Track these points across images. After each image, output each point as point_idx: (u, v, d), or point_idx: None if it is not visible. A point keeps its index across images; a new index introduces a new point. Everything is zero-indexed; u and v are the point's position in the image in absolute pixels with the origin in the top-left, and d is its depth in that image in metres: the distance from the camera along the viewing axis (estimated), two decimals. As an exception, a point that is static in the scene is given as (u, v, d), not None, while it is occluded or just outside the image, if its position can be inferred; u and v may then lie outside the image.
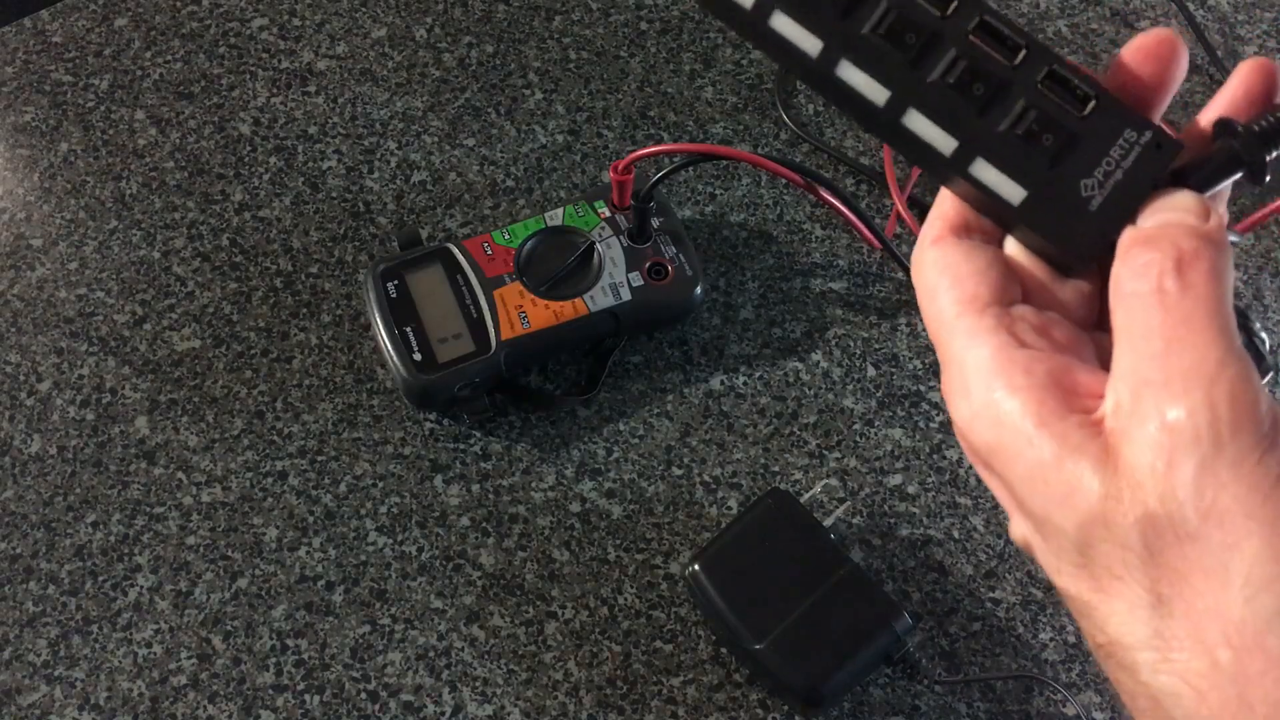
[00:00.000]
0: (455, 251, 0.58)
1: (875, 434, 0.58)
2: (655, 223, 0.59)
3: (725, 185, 0.65)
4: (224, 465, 0.56)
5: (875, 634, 0.49)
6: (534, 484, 0.56)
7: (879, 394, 0.59)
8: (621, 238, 0.59)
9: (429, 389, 0.55)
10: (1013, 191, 0.29)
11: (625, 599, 0.53)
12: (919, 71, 0.29)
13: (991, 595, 0.54)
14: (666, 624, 0.53)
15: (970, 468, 0.57)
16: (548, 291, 0.57)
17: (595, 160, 0.66)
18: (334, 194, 0.64)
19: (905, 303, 0.61)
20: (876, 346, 0.60)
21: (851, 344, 0.60)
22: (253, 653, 0.52)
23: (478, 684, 0.51)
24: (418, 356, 0.55)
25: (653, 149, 0.58)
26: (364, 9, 0.71)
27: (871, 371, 0.60)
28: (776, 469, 0.57)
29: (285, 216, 0.63)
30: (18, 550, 0.54)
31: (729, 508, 0.56)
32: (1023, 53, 0.29)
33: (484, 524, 0.55)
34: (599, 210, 0.59)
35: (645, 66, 0.70)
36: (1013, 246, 0.30)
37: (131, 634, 0.52)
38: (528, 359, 0.58)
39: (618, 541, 0.55)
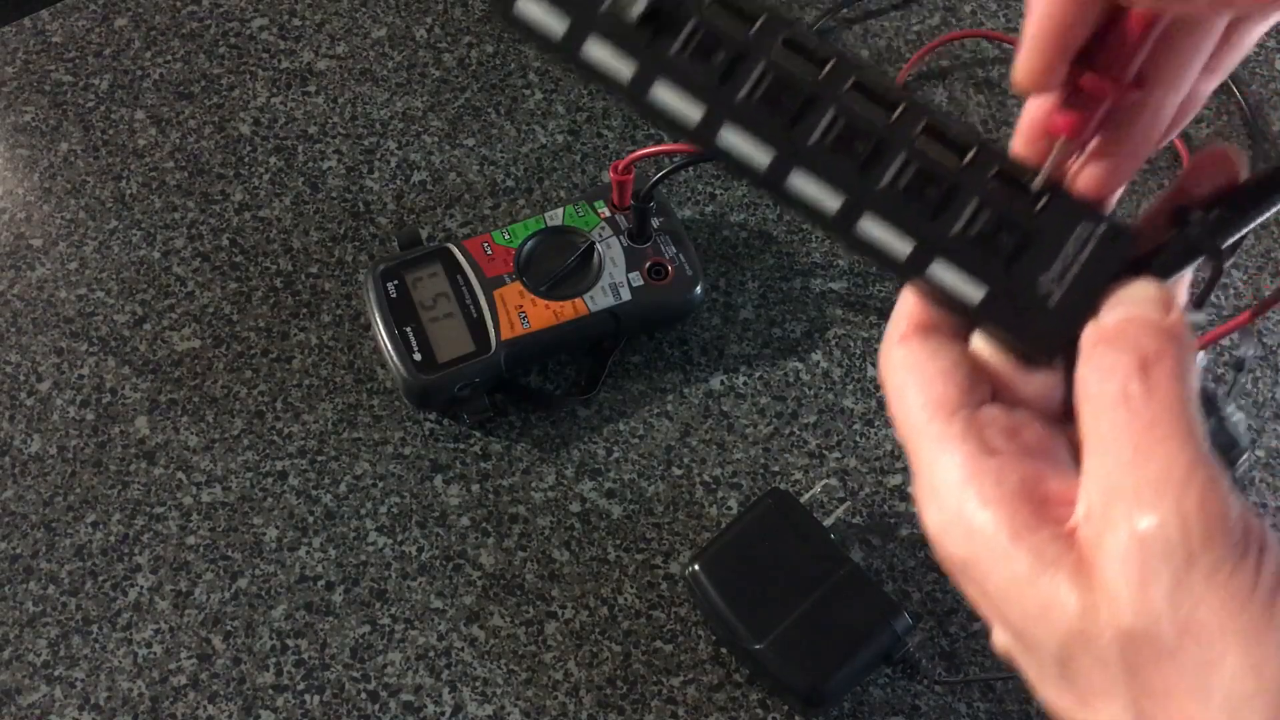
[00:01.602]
0: (455, 251, 0.58)
1: (875, 434, 0.58)
2: (655, 223, 0.59)
3: (725, 185, 0.65)
4: (224, 465, 0.56)
5: (875, 634, 0.49)
6: (534, 484, 0.56)
7: (879, 394, 0.59)
8: (621, 238, 0.59)
9: (429, 389, 0.55)
10: (972, 291, 0.29)
11: (625, 599, 0.53)
12: (870, 178, 0.28)
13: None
14: (666, 624, 0.53)
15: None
16: (548, 291, 0.57)
17: (595, 160, 0.66)
18: (334, 194, 0.64)
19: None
20: (876, 346, 0.60)
21: (851, 344, 0.60)
22: (253, 653, 0.52)
23: (478, 684, 0.51)
24: (418, 356, 0.55)
25: (653, 149, 0.58)
26: (364, 9, 0.71)
27: (871, 371, 0.60)
28: (776, 469, 0.57)
29: (285, 216, 0.63)
30: (18, 550, 0.54)
31: (729, 508, 0.56)
32: (972, 152, 0.28)
33: (484, 524, 0.55)
34: (599, 210, 0.59)
35: (645, 66, 0.70)
36: (979, 341, 0.30)
37: (131, 634, 0.52)
38: (528, 359, 0.58)
39: (618, 541, 0.55)
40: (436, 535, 0.55)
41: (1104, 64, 0.26)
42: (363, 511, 0.55)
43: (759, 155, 0.29)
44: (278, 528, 0.54)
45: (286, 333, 0.60)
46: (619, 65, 0.29)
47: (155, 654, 0.51)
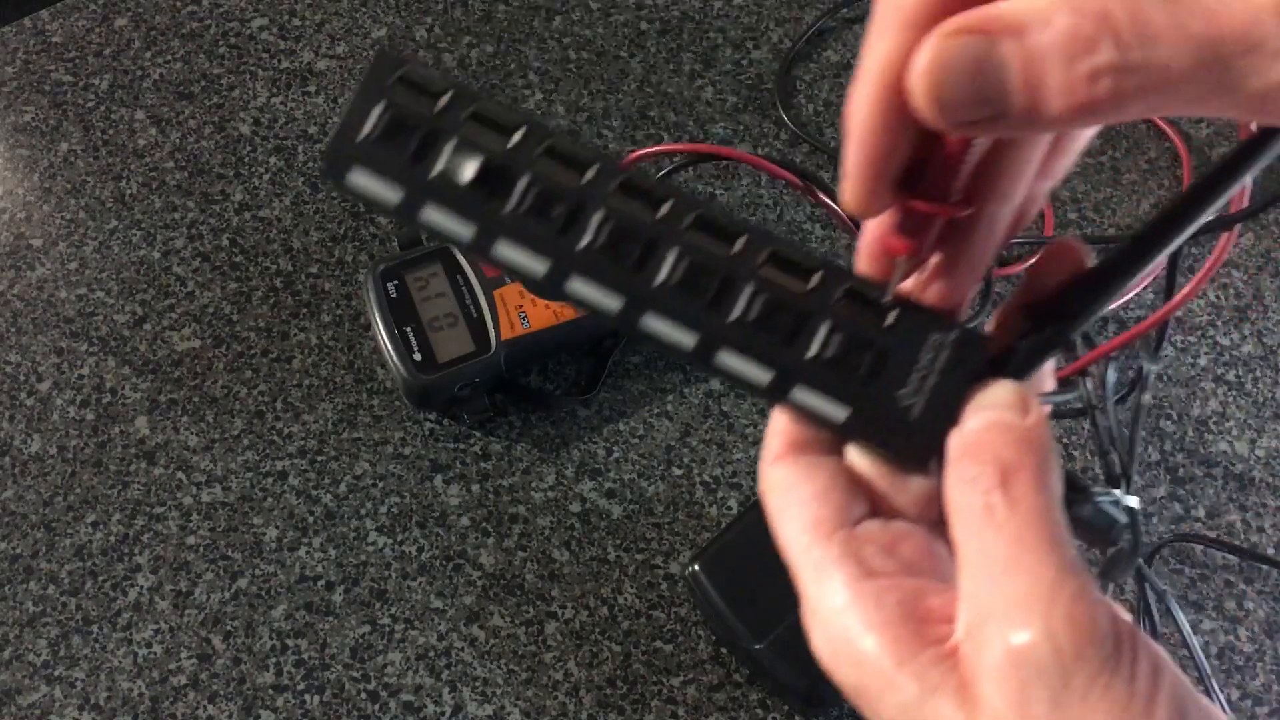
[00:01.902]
0: (455, 251, 0.58)
1: (875, 434, 0.58)
2: (655, 223, 0.59)
3: (725, 185, 0.65)
4: (224, 465, 0.56)
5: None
6: (534, 484, 0.56)
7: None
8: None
9: (429, 389, 0.55)
10: (835, 411, 0.29)
11: (625, 599, 0.53)
12: (719, 313, 0.29)
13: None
14: (666, 624, 0.53)
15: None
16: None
17: (595, 160, 0.66)
18: (334, 194, 0.64)
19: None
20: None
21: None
22: (253, 653, 0.52)
23: (478, 684, 0.51)
24: (418, 356, 0.55)
25: (652, 149, 0.58)
26: (364, 9, 0.71)
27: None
28: (776, 469, 0.57)
29: (285, 216, 0.63)
30: (18, 550, 0.54)
31: (729, 508, 0.56)
32: (818, 275, 0.29)
33: (484, 524, 0.55)
34: (599, 210, 0.59)
35: (645, 66, 0.70)
36: (854, 453, 0.30)
37: (131, 634, 0.52)
38: (528, 359, 0.58)
39: (618, 541, 0.55)
40: (436, 535, 0.55)
41: (929, 186, 0.26)
42: (363, 511, 0.55)
43: (609, 301, 0.29)
44: (278, 528, 0.54)
45: (286, 333, 0.60)
46: (458, 228, 0.29)
47: (155, 654, 0.51)
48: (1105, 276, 0.28)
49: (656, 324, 0.29)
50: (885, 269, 0.29)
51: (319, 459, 0.56)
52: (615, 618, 0.53)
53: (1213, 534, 0.56)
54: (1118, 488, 0.47)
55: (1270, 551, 0.56)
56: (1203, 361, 0.61)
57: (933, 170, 0.26)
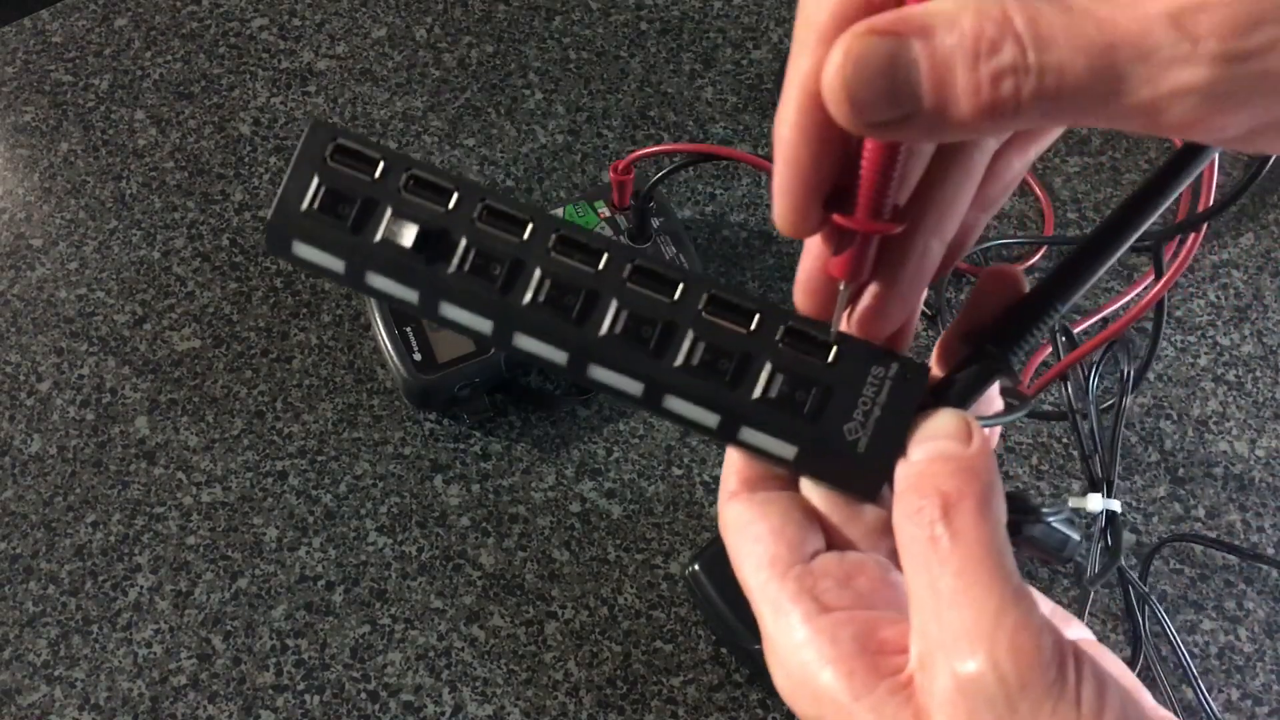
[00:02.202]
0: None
1: (875, 434, 0.58)
2: (655, 223, 0.59)
3: (725, 185, 0.65)
4: (224, 465, 0.56)
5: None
6: (534, 484, 0.56)
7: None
8: (622, 238, 0.59)
9: (429, 389, 0.55)
10: (783, 450, 0.30)
11: (625, 599, 0.53)
12: (663, 361, 0.29)
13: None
14: (666, 624, 0.53)
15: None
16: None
17: (595, 160, 0.66)
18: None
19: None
20: (876, 346, 0.60)
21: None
22: (253, 653, 0.52)
23: (478, 684, 0.51)
24: (418, 356, 0.55)
25: (653, 149, 0.58)
26: (364, 9, 0.71)
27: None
28: (776, 469, 0.57)
29: (285, 216, 0.63)
30: (18, 550, 0.54)
31: (729, 508, 0.56)
32: (758, 317, 0.29)
33: (484, 524, 0.55)
34: (599, 210, 0.59)
35: (645, 66, 0.70)
36: (808, 487, 0.31)
37: (131, 634, 0.52)
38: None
39: (618, 541, 0.55)
40: (436, 535, 0.55)
41: (859, 204, 0.26)
42: (363, 511, 0.55)
43: (556, 355, 0.30)
44: (278, 528, 0.54)
45: (286, 333, 0.60)
46: (403, 293, 0.30)
47: (155, 654, 0.51)
48: (1041, 301, 0.29)
49: (603, 374, 0.30)
50: (823, 302, 0.30)
51: (319, 459, 0.56)
52: (615, 618, 0.53)
53: (1213, 534, 0.56)
54: (1098, 491, 0.47)
55: (1270, 551, 0.56)
56: (1203, 361, 0.61)
57: (861, 190, 0.26)
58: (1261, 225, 0.66)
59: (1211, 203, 0.38)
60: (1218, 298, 0.63)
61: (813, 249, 0.29)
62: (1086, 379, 0.46)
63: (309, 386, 0.58)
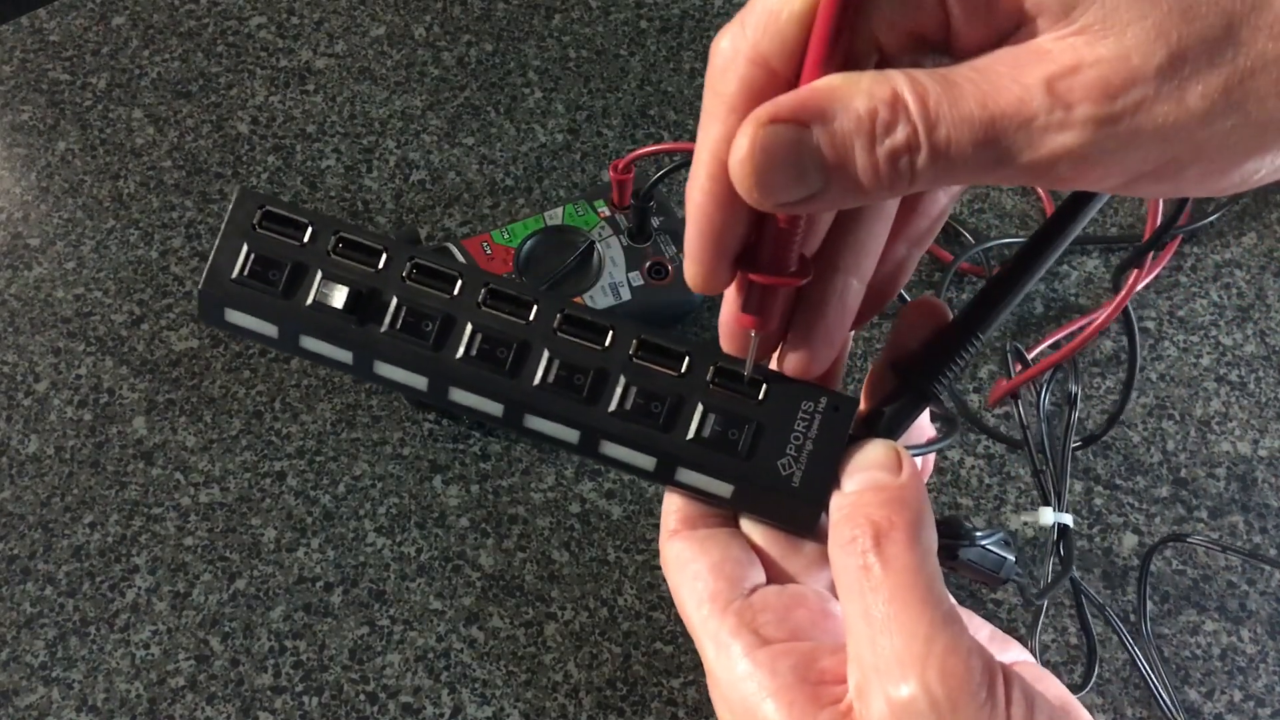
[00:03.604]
0: (454, 251, 0.57)
1: (876, 434, 0.58)
2: (655, 222, 0.59)
3: (725, 184, 0.65)
4: (222, 466, 0.56)
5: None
6: (533, 484, 0.56)
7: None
8: (621, 237, 0.58)
9: (428, 389, 0.55)
10: (720, 488, 0.30)
11: (625, 600, 0.53)
12: (597, 408, 0.30)
13: (993, 596, 0.54)
14: (666, 625, 0.53)
15: (971, 467, 0.57)
16: (548, 291, 0.57)
17: (595, 159, 0.66)
18: (332, 193, 0.64)
19: (905, 302, 0.61)
20: (877, 346, 0.60)
21: (852, 343, 0.60)
22: (251, 654, 0.51)
23: (477, 685, 0.51)
24: (416, 356, 0.54)
25: (652, 148, 0.57)
26: (363, 7, 0.71)
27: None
28: (777, 469, 0.56)
29: (284, 216, 0.63)
30: (15, 551, 0.53)
31: (729, 508, 0.56)
32: (686, 360, 0.30)
33: (483, 525, 0.55)
34: (599, 209, 0.59)
35: (645, 65, 0.69)
36: (747, 522, 0.31)
37: (129, 635, 0.52)
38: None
39: (617, 542, 0.55)
40: (435, 536, 0.54)
41: (766, 260, 0.27)
42: (361, 512, 0.55)
43: (490, 407, 0.30)
44: (276, 528, 0.54)
45: (285, 332, 0.59)
46: (337, 354, 0.30)
47: (153, 655, 0.51)
48: (961, 330, 0.30)
49: (538, 424, 0.30)
50: (744, 346, 0.30)
51: (317, 459, 0.56)
52: (615, 619, 0.53)
53: (1215, 535, 0.56)
54: (1047, 504, 0.48)
55: (1272, 552, 0.56)
56: (1205, 361, 0.61)
57: (767, 245, 0.27)
58: (1264, 225, 0.66)
59: (1156, 227, 0.40)
60: (1220, 297, 0.63)
61: (730, 299, 0.30)
62: (1038, 397, 0.48)
63: (307, 387, 0.58)
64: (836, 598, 0.30)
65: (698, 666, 0.52)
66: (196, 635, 0.52)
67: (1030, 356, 0.57)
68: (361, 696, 0.51)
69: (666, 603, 0.53)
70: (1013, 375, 0.49)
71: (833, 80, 0.23)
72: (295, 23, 0.70)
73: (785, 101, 0.23)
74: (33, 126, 0.66)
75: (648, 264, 0.58)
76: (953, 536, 0.48)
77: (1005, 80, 0.22)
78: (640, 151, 0.57)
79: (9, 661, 0.51)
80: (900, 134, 0.22)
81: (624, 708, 0.51)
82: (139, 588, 0.53)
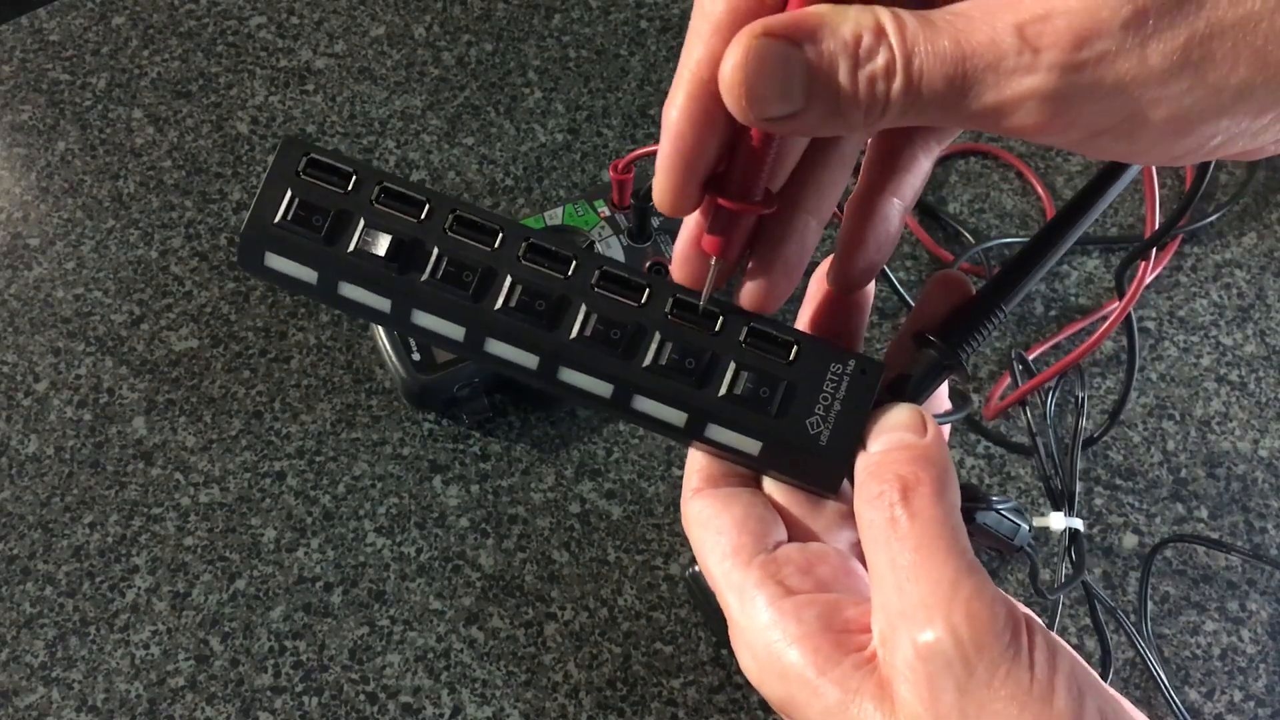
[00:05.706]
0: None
1: (876, 434, 0.58)
2: (655, 222, 0.59)
3: (725, 184, 0.65)
4: (222, 466, 0.56)
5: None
6: (533, 485, 0.56)
7: (880, 394, 0.59)
8: (621, 237, 0.58)
9: (428, 389, 0.55)
10: (748, 446, 0.30)
11: (625, 600, 0.53)
12: (632, 363, 0.30)
13: (1004, 586, 0.54)
14: (666, 625, 0.53)
15: (972, 468, 0.57)
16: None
17: (595, 159, 0.66)
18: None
19: (905, 302, 0.61)
20: (878, 346, 0.60)
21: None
22: (251, 654, 0.51)
23: (477, 685, 0.51)
24: (416, 356, 0.54)
25: (653, 148, 0.57)
26: (362, 7, 0.71)
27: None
28: (777, 469, 0.56)
29: (283, 216, 0.63)
30: (15, 551, 0.53)
31: (729, 508, 0.55)
32: (720, 320, 0.31)
33: (483, 525, 0.55)
34: (599, 209, 0.59)
35: (645, 65, 0.69)
36: (770, 483, 0.32)
37: (129, 635, 0.52)
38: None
39: (617, 542, 0.55)
40: (435, 536, 0.54)
41: (734, 186, 0.28)
42: (361, 512, 0.55)
43: (525, 359, 0.31)
44: (276, 528, 0.54)
45: (285, 332, 0.59)
46: (375, 302, 0.30)
47: (153, 655, 0.51)
48: (985, 302, 0.31)
49: (573, 377, 0.31)
50: (698, 274, 0.31)
51: (317, 459, 0.56)
52: (615, 619, 0.53)
53: (1215, 535, 0.56)
54: (1058, 510, 0.48)
55: (1273, 552, 0.56)
56: (1205, 361, 0.61)
57: (736, 173, 0.28)
58: (1264, 225, 0.66)
59: (1157, 225, 0.40)
60: (1220, 297, 0.63)
61: (690, 225, 0.31)
62: (1044, 403, 0.48)
63: (307, 387, 0.58)
64: (857, 558, 0.30)
65: (698, 666, 0.52)
66: (196, 635, 0.52)
67: (1031, 358, 0.57)
68: (361, 697, 0.51)
69: (666, 603, 0.53)
70: (1019, 384, 0.49)
71: (822, 7, 0.24)
72: (295, 23, 0.70)
73: (778, 20, 0.24)
74: (33, 126, 0.66)
75: (648, 264, 0.58)
76: (970, 500, 0.48)
77: (979, 23, 0.23)
78: (640, 151, 0.57)
79: (9, 661, 0.51)
80: (880, 60, 0.23)
81: (624, 708, 0.51)
82: (139, 588, 0.53)
